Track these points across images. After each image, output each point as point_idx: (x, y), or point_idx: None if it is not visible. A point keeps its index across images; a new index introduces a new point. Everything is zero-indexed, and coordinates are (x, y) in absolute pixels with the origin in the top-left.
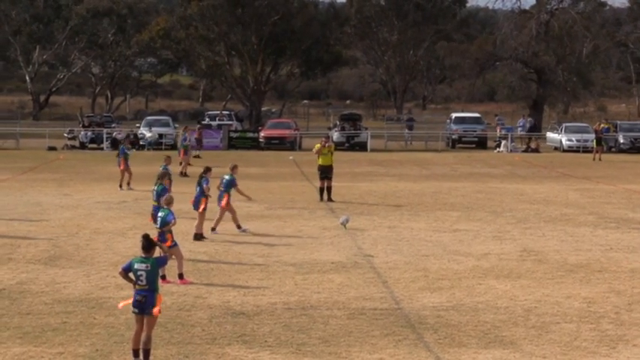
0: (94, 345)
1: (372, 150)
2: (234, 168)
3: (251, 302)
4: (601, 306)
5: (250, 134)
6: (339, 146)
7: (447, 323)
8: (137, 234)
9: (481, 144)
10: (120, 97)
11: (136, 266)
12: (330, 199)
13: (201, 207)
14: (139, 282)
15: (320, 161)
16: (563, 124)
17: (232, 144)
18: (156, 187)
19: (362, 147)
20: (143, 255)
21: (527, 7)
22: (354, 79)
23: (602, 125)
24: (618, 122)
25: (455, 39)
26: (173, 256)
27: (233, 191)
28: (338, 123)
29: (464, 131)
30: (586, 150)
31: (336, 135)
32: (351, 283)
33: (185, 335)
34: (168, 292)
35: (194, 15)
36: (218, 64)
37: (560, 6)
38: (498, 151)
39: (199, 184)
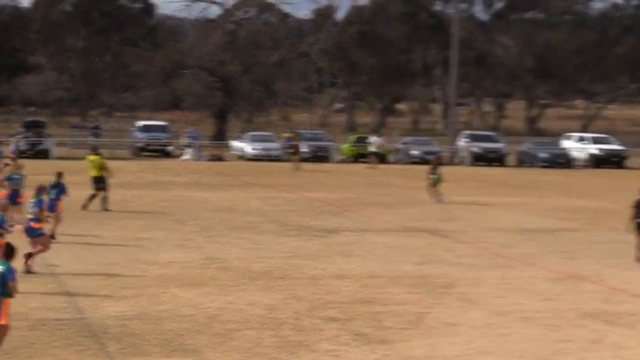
0: None
1: (58, 157)
2: None
3: None
4: (282, 312)
5: None
6: (22, 154)
7: (131, 332)
8: None
9: (166, 152)
10: None
11: None
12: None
13: None
14: None
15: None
16: (248, 133)
17: None
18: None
19: (46, 155)
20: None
21: (213, 17)
22: (38, 85)
23: (287, 134)
24: (302, 131)
25: (142, 47)
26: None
27: None
28: (21, 130)
29: (150, 139)
30: (270, 159)
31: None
32: (32, 293)
33: None
34: None
35: None
36: None
37: (246, 16)
38: (183, 160)
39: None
